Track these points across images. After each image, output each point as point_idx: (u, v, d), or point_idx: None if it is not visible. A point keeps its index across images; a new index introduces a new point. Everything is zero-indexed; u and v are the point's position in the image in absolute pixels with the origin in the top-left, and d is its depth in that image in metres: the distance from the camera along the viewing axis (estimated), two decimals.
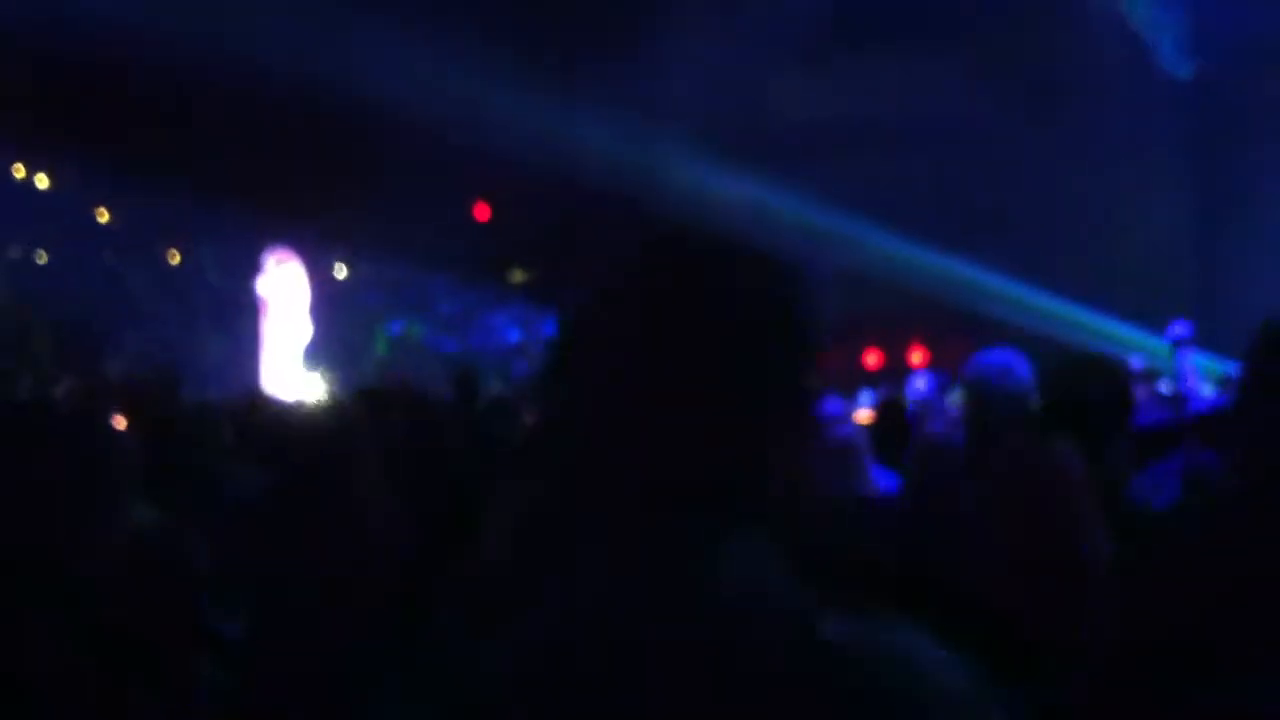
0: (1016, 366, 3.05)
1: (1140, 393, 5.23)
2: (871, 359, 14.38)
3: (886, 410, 5.38)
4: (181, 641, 2.55)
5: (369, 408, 4.96)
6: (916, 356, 13.91)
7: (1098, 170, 13.27)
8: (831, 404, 4.31)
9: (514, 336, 16.49)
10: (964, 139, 13.32)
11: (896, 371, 12.65)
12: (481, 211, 15.59)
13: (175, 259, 16.08)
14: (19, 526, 2.42)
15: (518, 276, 16.32)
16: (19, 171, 14.88)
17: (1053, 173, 13.30)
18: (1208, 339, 10.61)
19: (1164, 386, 7.54)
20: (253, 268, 12.22)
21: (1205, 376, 7.31)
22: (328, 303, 12.34)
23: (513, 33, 12.33)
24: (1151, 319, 12.72)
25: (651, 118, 13.03)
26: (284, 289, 11.99)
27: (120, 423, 4.45)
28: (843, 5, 12.75)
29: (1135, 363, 7.12)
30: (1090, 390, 2.81)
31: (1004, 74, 13.23)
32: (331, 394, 6.28)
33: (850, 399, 7.51)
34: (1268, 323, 1.81)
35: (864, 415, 6.09)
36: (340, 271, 15.77)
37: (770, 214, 12.79)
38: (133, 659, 2.48)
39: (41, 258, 15.90)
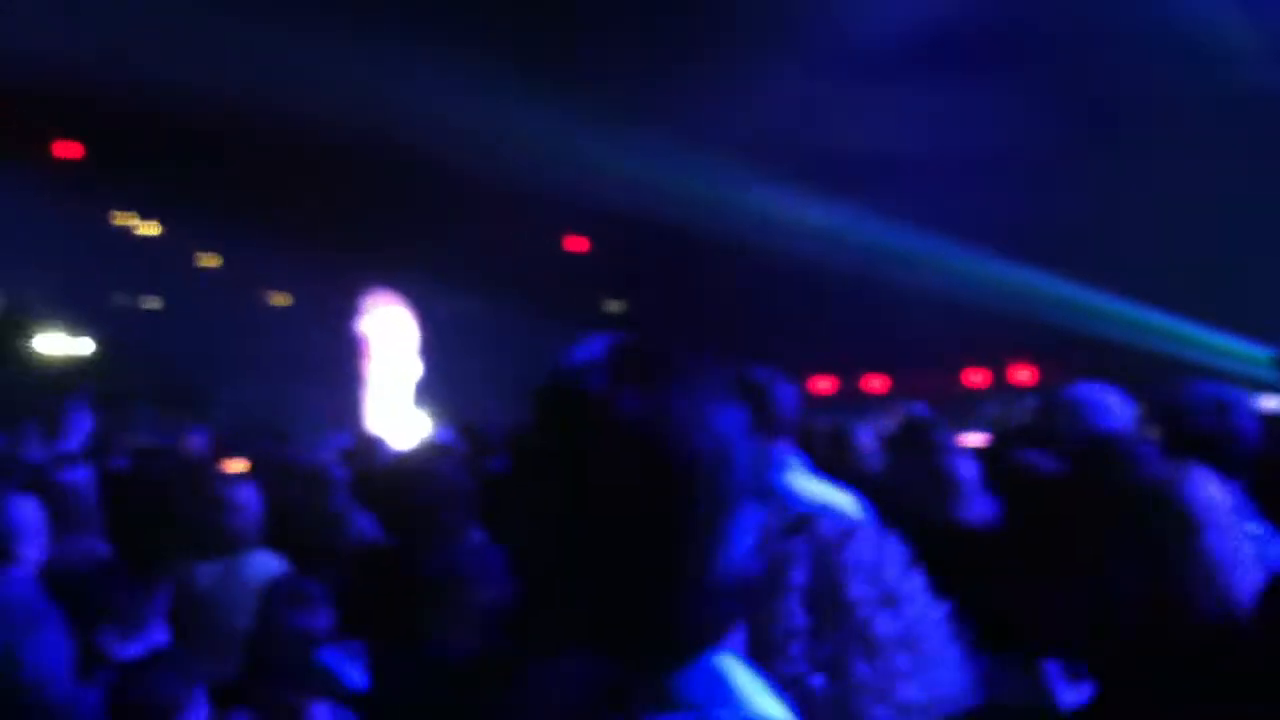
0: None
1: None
2: (977, 378, 14.26)
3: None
4: (301, 691, 2.61)
5: (473, 447, 5.04)
6: (1023, 374, 13.76)
7: (1197, 186, 12.99)
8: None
9: None
10: (1060, 162, 13.18)
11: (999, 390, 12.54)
12: (575, 244, 15.75)
13: (279, 303, 16.44)
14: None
15: (614, 307, 16.43)
16: (125, 219, 15.33)
17: (1148, 190, 13.05)
18: None
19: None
20: (355, 310, 12.46)
21: None
22: (433, 341, 12.51)
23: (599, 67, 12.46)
24: (1258, 331, 12.47)
25: (740, 151, 13.07)
26: (387, 330, 12.18)
27: (238, 469, 4.58)
28: (933, 36, 12.68)
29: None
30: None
31: (1094, 94, 13.07)
32: (436, 435, 6.37)
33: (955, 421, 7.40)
34: None
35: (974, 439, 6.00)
36: (443, 309, 16.02)
37: (859, 241, 12.78)
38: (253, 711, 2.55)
39: (150, 303, 16.35)
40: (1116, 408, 3.13)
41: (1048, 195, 13.25)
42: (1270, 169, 12.99)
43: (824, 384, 14.00)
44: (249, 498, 3.52)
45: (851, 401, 12.56)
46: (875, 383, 14.26)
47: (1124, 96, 13.18)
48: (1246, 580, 1.62)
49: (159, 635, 2.78)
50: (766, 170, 13.16)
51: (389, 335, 12.31)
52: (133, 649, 2.64)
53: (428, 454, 3.56)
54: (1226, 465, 2.39)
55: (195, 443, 5.78)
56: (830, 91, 12.89)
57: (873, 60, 12.82)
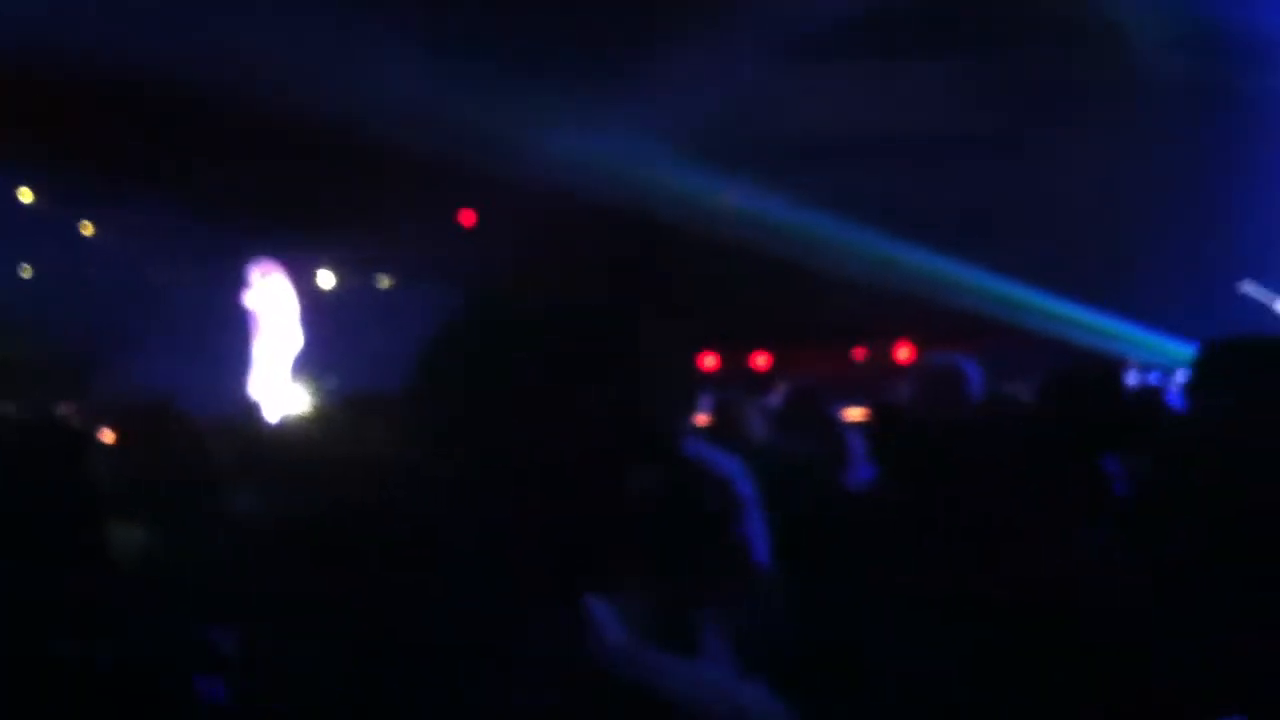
0: None
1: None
2: (861, 356, 14.54)
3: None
4: (182, 660, 2.55)
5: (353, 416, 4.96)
6: (903, 353, 14.03)
7: (1098, 171, 13.33)
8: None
9: None
10: (964, 144, 13.43)
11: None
12: (467, 218, 15.60)
13: (160, 272, 16.06)
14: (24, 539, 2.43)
15: (506, 284, 16.31)
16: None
17: (1052, 175, 13.35)
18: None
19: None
20: (239, 281, 12.21)
21: None
22: (314, 314, 12.32)
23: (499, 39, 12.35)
24: (1153, 317, 12.91)
25: (643, 127, 13.07)
26: (273, 303, 11.96)
27: (112, 439, 4.44)
28: (840, 13, 12.80)
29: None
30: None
31: (990, 78, 13.33)
32: (320, 405, 6.28)
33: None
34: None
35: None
36: (327, 281, 15.77)
37: (765, 221, 12.89)
38: (131, 682, 2.48)
39: (26, 271, 15.88)
40: (977, 378, 3.26)
41: (938, 177, 13.49)
42: (1169, 158, 13.37)
43: (710, 360, 14.12)
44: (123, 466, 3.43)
45: (738, 378, 12.68)
46: (761, 360, 14.42)
47: (1020, 81, 13.45)
48: None
49: None
50: (658, 147, 13.18)
51: (274, 308, 12.09)
52: None
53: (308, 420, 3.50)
54: (1106, 433, 2.49)
55: (71, 412, 5.62)
56: (726, 71, 12.95)
57: (771, 42, 12.92)
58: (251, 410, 5.50)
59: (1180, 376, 6.46)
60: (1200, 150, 13.26)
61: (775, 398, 4.94)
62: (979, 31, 13.17)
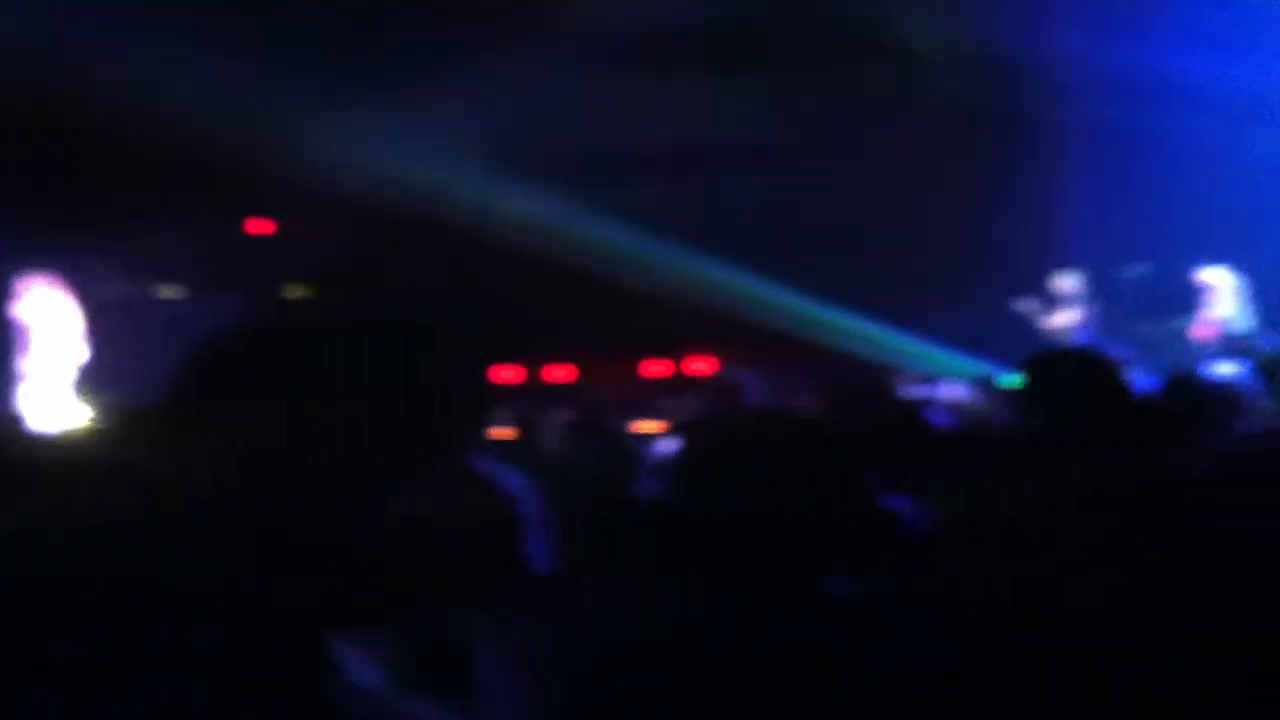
0: None
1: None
2: (655, 369, 14.71)
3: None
4: None
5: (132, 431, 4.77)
6: (698, 365, 14.27)
7: (888, 188, 13.79)
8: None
9: None
10: (756, 160, 13.74)
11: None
12: (257, 226, 15.17)
13: None
14: None
15: (297, 293, 15.93)
16: None
17: (843, 191, 13.75)
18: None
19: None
20: (13, 294, 11.60)
21: None
22: (96, 324, 11.78)
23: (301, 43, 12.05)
24: (938, 330, 13.45)
25: (440, 137, 12.95)
26: (48, 314, 11.39)
27: None
28: (641, 27, 12.93)
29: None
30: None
31: (793, 94, 13.71)
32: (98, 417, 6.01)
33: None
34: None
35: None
36: (109, 292, 15.08)
37: (566, 232, 12.92)
38: None
39: None
40: (759, 389, 3.39)
41: (733, 191, 13.78)
42: (950, 176, 13.95)
43: (509, 373, 14.09)
44: None
45: (537, 391, 12.68)
46: (561, 372, 14.45)
47: (809, 97, 13.84)
48: None
49: None
50: (456, 157, 13.09)
51: (49, 320, 11.52)
52: None
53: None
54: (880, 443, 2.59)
55: None
56: (524, 82, 12.94)
57: (571, 54, 12.97)
58: (14, 423, 5.23)
59: (960, 390, 6.72)
60: (976, 169, 13.91)
61: (570, 412, 4.97)
62: (775, 49, 13.51)
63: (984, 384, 8.00)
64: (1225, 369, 9.57)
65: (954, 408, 5.99)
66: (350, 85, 12.21)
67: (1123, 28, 12.66)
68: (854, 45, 13.57)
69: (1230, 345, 11.45)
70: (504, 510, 1.58)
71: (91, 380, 11.48)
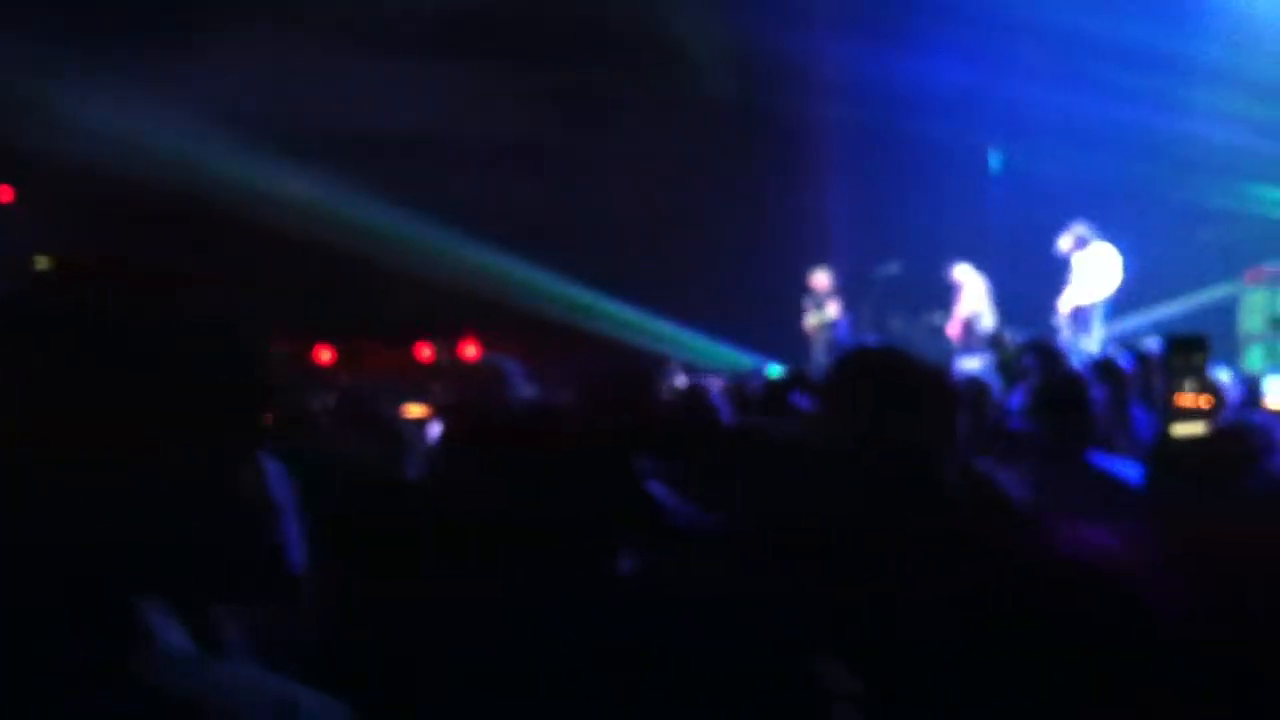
0: None
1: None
2: (426, 353, 14.57)
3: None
4: None
5: None
6: (470, 350, 14.19)
7: (657, 183, 13.98)
8: None
9: None
10: (531, 152, 13.75)
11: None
12: (2, 194, 14.30)
13: None
14: None
15: (42, 264, 15.08)
16: None
17: (614, 185, 13.88)
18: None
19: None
20: None
21: None
22: None
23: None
24: (707, 323, 13.76)
25: (200, 112, 12.47)
26: None
27: None
28: (413, 11, 12.76)
29: None
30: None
31: (568, 88, 13.77)
32: None
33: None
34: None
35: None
36: None
37: (331, 214, 12.65)
38: None
39: None
40: (520, 377, 3.45)
41: (507, 180, 13.74)
42: (722, 172, 14.24)
43: (275, 355, 13.69)
44: None
45: (301, 372, 12.37)
46: (325, 354, 14.14)
47: (582, 91, 13.93)
48: None
49: None
50: (218, 133, 12.63)
51: None
52: None
53: None
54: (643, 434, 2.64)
55: None
56: (287, 59, 12.59)
57: (341, 33, 12.70)
58: None
59: (719, 381, 6.87)
60: (741, 168, 14.29)
61: (333, 396, 4.87)
62: (548, 42, 13.53)
63: (750, 375, 8.23)
64: (971, 363, 10.16)
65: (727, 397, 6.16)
66: (94, 51, 11.62)
67: (884, 36, 13.19)
68: (629, 44, 13.73)
69: (976, 340, 12.08)
70: (256, 498, 1.55)
71: None
